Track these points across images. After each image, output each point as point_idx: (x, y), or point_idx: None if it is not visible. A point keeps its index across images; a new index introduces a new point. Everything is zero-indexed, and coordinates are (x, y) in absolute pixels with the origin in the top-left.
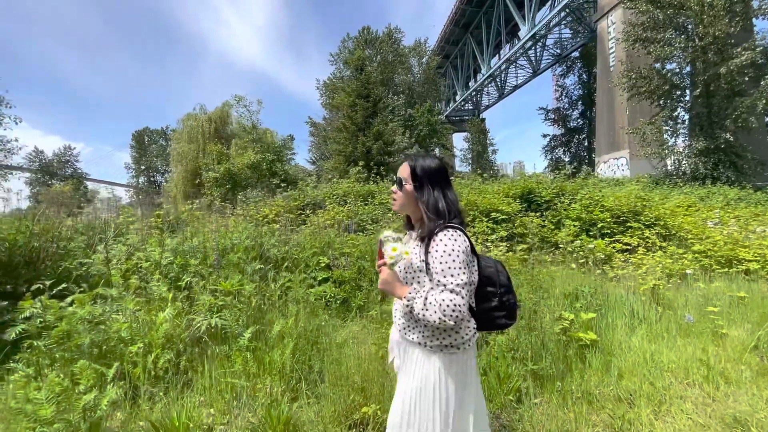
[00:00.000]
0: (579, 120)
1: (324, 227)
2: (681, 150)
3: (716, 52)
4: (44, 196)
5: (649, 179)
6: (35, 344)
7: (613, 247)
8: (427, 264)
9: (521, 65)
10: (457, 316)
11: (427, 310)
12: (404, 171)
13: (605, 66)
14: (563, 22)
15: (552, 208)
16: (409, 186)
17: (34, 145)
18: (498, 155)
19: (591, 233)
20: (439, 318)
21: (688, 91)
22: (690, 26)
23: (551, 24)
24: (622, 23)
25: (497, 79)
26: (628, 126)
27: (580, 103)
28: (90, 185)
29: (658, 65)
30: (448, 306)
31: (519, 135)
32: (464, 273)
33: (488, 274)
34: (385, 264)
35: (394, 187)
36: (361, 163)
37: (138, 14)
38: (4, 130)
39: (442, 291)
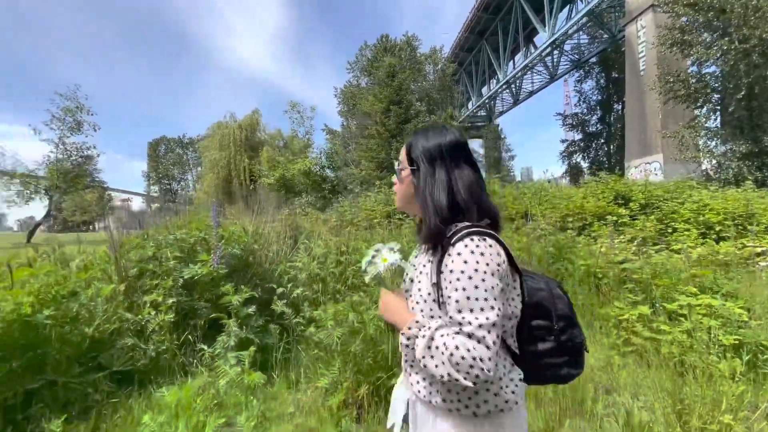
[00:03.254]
0: (598, 125)
1: None
2: (721, 153)
3: (761, 54)
4: (68, 204)
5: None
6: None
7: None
8: (439, 289)
9: (538, 71)
10: (476, 375)
11: (432, 357)
12: (402, 153)
13: (635, 70)
14: (582, 28)
15: (646, 212)
16: (405, 170)
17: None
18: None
19: (709, 237)
20: (448, 373)
21: (727, 94)
22: (731, 29)
23: (570, 31)
24: (655, 26)
25: (512, 86)
26: (663, 130)
27: (598, 108)
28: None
29: (695, 68)
30: (463, 358)
31: (529, 140)
32: (493, 306)
33: (539, 299)
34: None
35: (394, 177)
36: None
37: (145, 23)
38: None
39: (457, 333)
